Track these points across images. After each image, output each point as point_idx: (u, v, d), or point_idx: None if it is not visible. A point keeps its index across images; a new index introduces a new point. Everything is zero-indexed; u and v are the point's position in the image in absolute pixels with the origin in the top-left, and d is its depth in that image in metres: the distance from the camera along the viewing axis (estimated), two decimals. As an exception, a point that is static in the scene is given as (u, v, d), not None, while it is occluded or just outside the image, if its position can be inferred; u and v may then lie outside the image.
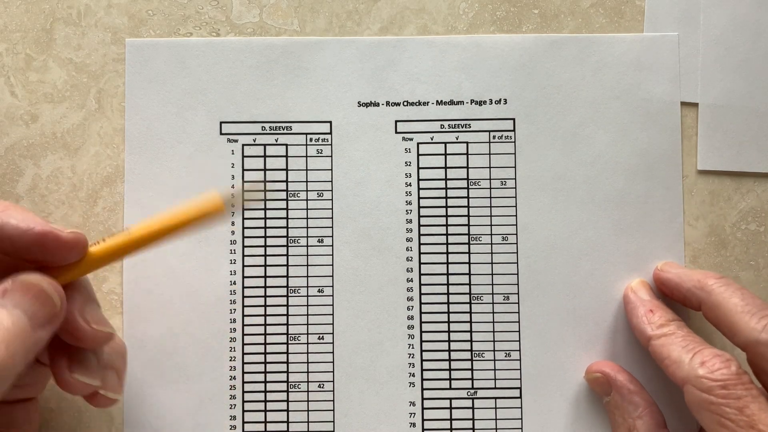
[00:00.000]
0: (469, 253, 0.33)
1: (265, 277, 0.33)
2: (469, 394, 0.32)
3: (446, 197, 0.33)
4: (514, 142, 0.33)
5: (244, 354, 0.32)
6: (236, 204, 0.25)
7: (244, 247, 0.33)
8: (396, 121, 0.33)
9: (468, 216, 0.33)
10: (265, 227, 0.33)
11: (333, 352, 0.32)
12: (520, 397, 0.32)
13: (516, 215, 0.33)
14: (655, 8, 0.33)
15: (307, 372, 0.32)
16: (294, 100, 0.33)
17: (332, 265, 0.33)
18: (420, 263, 0.33)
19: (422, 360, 0.32)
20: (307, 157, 0.33)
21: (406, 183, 0.33)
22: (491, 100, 0.33)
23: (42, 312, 0.23)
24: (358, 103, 0.33)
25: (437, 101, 0.33)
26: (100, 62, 0.33)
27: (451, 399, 0.32)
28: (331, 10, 0.33)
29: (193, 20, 0.33)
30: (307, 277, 0.33)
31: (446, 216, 0.33)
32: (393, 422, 0.32)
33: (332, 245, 0.33)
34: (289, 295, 0.33)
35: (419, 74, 0.33)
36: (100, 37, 0.33)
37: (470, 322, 0.32)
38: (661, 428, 0.29)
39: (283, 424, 0.32)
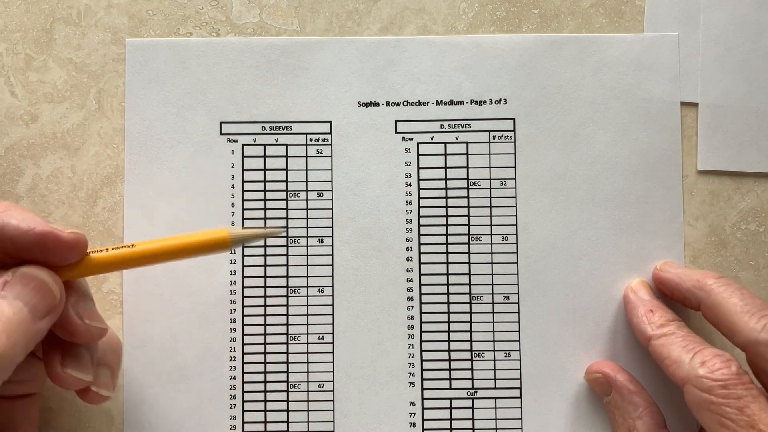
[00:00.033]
0: (469, 253, 0.33)
1: (265, 277, 0.33)
2: (469, 394, 0.32)
3: (446, 197, 0.33)
4: (514, 142, 0.33)
5: (244, 354, 0.32)
6: (241, 241, 0.26)
7: (244, 247, 0.33)
8: (396, 121, 0.33)
9: (468, 216, 0.33)
10: (266, 227, 0.33)
11: (333, 352, 0.32)
12: (520, 397, 0.32)
13: (516, 215, 0.33)
14: (655, 8, 0.33)
15: (307, 372, 0.32)
16: (294, 100, 0.33)
17: (332, 265, 0.33)
18: (420, 263, 0.33)
19: (422, 360, 0.32)
20: (307, 157, 0.33)
21: (406, 183, 0.33)
22: (491, 100, 0.33)
23: (42, 303, 0.23)
24: (358, 103, 0.33)
25: (437, 101, 0.33)
26: (100, 62, 0.33)
27: (451, 399, 0.32)
28: (331, 10, 0.33)
29: (193, 20, 0.33)
30: (307, 277, 0.33)
31: (446, 216, 0.33)
32: (393, 422, 0.32)
33: (332, 245, 0.33)
34: (289, 295, 0.33)
35: (419, 74, 0.33)
36: (100, 37, 0.33)
37: (470, 322, 0.32)
38: (661, 428, 0.29)
39: (283, 424, 0.32)
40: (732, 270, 0.33)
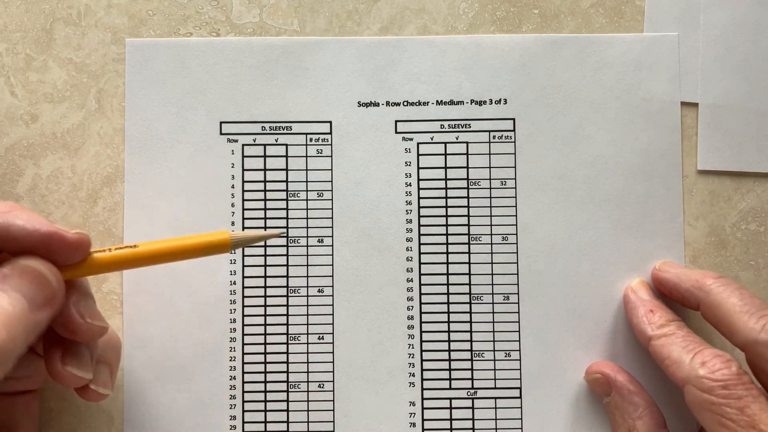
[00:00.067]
0: (469, 253, 0.33)
1: (265, 277, 0.33)
2: (469, 394, 0.32)
3: (446, 197, 0.33)
4: (514, 142, 0.33)
5: (244, 354, 0.32)
6: (241, 244, 0.27)
7: (244, 247, 0.33)
8: (396, 121, 0.33)
9: (468, 216, 0.33)
10: (265, 227, 0.33)
11: (333, 352, 0.32)
12: (520, 397, 0.32)
13: (516, 215, 0.33)
14: (655, 8, 0.33)
15: (307, 372, 0.32)
16: (294, 100, 0.33)
17: (332, 265, 0.33)
18: (420, 263, 0.33)
19: (422, 360, 0.32)
20: (307, 157, 0.33)
21: (406, 183, 0.33)
22: (491, 100, 0.33)
23: (40, 295, 0.23)
24: (358, 103, 0.33)
25: (437, 101, 0.33)
26: (100, 62, 0.33)
27: (451, 399, 0.32)
28: (331, 10, 0.33)
29: (193, 20, 0.33)
30: (307, 277, 0.33)
31: (446, 216, 0.33)
32: (393, 422, 0.32)
33: (332, 245, 0.33)
34: (289, 295, 0.33)
35: (419, 74, 0.33)
36: (100, 37, 0.33)
37: (470, 322, 0.32)
38: (661, 428, 0.29)
39: (283, 424, 0.32)
40: (732, 270, 0.33)
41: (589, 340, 0.32)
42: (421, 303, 0.32)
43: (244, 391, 0.32)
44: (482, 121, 0.33)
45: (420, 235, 0.33)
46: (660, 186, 0.33)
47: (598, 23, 0.33)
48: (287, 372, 0.32)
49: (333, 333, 0.32)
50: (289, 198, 0.33)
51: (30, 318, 0.23)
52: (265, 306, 0.32)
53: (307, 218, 0.33)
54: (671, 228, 0.33)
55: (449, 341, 0.32)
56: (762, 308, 0.28)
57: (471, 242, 0.33)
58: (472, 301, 0.32)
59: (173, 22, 0.33)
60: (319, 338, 0.32)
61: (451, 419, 0.32)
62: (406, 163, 0.33)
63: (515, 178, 0.33)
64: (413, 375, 0.32)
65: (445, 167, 0.33)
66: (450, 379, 0.32)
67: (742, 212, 0.33)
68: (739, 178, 0.33)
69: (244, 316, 0.32)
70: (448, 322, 0.32)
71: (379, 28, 0.33)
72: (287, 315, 0.32)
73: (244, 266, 0.32)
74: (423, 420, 0.32)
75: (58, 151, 0.33)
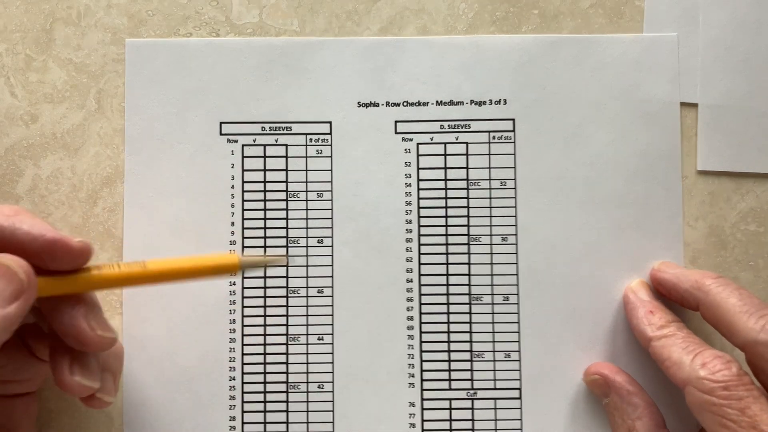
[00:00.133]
0: (468, 253, 0.33)
1: (265, 277, 0.33)
2: (468, 394, 0.32)
3: (446, 198, 0.33)
4: (514, 142, 0.33)
5: (243, 355, 0.32)
6: (249, 267, 0.27)
7: (243, 247, 0.33)
8: (396, 122, 0.33)
9: (468, 216, 0.33)
10: (265, 227, 0.33)
11: (332, 353, 0.32)
12: (520, 398, 0.32)
13: (516, 215, 0.33)
14: (655, 8, 0.33)
15: (307, 373, 0.32)
16: (294, 100, 0.33)
17: (332, 265, 0.33)
18: (420, 263, 0.33)
19: (422, 360, 0.32)
20: (306, 157, 0.33)
21: (406, 183, 0.33)
22: (491, 101, 0.33)
23: (8, 289, 0.23)
24: (358, 103, 0.33)
25: (437, 101, 0.33)
26: (100, 62, 0.33)
27: (450, 399, 0.32)
28: (331, 11, 0.33)
29: (193, 20, 0.33)
30: (307, 277, 0.33)
31: (446, 216, 0.33)
32: (393, 423, 0.32)
33: (332, 246, 0.33)
34: (289, 295, 0.33)
35: (419, 74, 0.33)
36: (100, 37, 0.33)
37: (470, 322, 0.32)
38: (661, 429, 0.29)
39: (282, 425, 0.32)
40: (732, 271, 0.33)
41: (588, 341, 0.32)
42: (420, 303, 0.32)
43: (243, 392, 0.32)
44: (482, 121, 0.33)
45: (420, 235, 0.33)
46: (659, 186, 0.33)
47: (598, 24, 0.33)
48: (287, 373, 0.32)
49: (333, 334, 0.32)
50: (289, 198, 0.33)
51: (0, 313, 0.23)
52: (265, 306, 0.32)
53: (306, 218, 0.33)
54: (671, 228, 0.33)
55: (449, 342, 0.32)
56: (761, 308, 0.28)
57: (471, 243, 0.33)
58: (472, 302, 0.32)
59: (173, 23, 0.33)
60: (318, 339, 0.32)
61: (450, 420, 0.32)
62: (405, 163, 0.33)
63: (515, 179, 0.33)
64: (413, 375, 0.32)
65: (445, 168, 0.33)
66: (450, 380, 0.32)
67: (741, 213, 0.33)
68: (738, 179, 0.33)
69: (243, 316, 0.32)
70: (448, 322, 0.32)
71: (378, 29, 0.33)
72: (287, 315, 0.32)
73: (243, 266, 0.32)
74: (423, 420, 0.32)
75: (58, 151, 0.33)
